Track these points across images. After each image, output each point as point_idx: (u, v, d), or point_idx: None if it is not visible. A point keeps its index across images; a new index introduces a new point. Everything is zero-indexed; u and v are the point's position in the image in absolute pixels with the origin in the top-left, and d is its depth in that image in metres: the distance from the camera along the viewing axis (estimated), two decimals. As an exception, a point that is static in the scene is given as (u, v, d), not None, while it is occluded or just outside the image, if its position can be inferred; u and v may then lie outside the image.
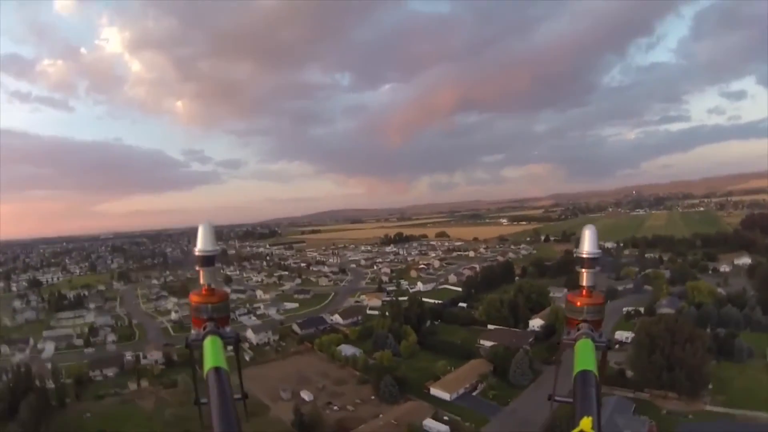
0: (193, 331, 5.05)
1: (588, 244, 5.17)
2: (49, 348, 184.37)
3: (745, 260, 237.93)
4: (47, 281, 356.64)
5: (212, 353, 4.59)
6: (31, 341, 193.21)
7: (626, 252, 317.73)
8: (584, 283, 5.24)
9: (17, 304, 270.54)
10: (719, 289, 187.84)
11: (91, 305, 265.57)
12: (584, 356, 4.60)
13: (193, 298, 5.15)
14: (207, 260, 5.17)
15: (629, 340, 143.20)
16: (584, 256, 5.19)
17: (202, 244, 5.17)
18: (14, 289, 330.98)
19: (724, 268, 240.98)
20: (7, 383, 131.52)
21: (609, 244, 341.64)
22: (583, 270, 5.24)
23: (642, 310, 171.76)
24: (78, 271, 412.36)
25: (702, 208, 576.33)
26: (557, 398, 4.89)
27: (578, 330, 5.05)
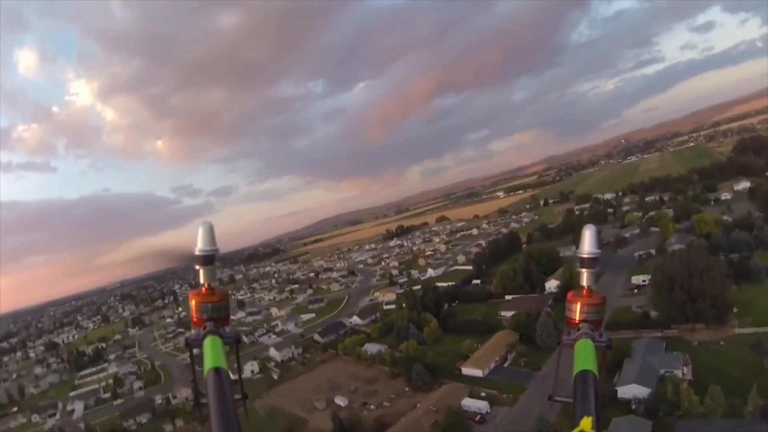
0: (192, 331, 5.11)
1: (588, 244, 5.17)
2: (78, 408, 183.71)
3: (744, 185, 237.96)
4: (63, 341, 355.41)
5: (212, 353, 4.66)
6: (60, 404, 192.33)
7: (626, 200, 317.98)
8: (584, 283, 5.25)
9: (38, 370, 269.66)
10: (725, 217, 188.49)
11: (111, 356, 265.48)
12: (584, 356, 4.66)
13: (193, 297, 5.18)
14: (206, 259, 5.19)
15: (646, 283, 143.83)
16: (584, 256, 5.18)
17: (201, 244, 5.18)
18: (32, 355, 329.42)
19: (725, 196, 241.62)
20: None
21: (608, 196, 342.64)
22: (583, 270, 5.24)
23: (653, 251, 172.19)
24: (91, 325, 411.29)
25: (692, 144, 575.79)
26: (557, 398, 4.91)
27: (578, 330, 5.08)
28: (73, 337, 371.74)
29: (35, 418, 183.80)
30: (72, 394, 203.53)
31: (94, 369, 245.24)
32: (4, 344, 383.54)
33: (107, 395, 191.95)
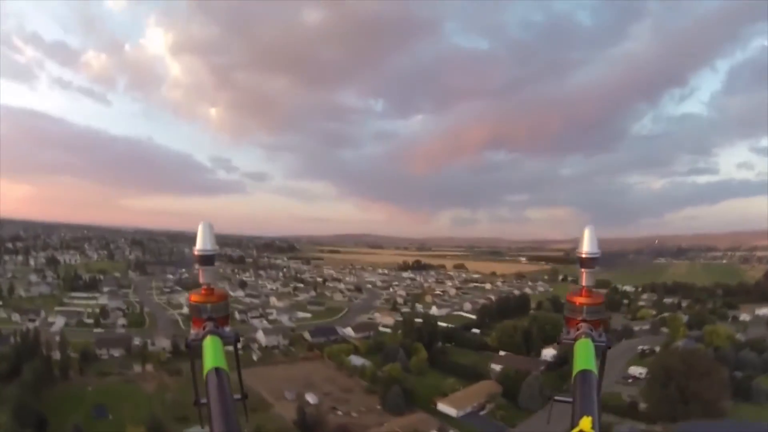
0: (192, 331, 4.95)
1: (587, 243, 5.04)
2: (59, 322, 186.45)
3: (766, 311, 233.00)
4: (65, 261, 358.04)
5: (212, 353, 4.52)
6: (43, 314, 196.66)
7: (644, 296, 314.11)
8: (584, 282, 5.12)
9: (33, 277, 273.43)
10: (738, 335, 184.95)
11: (105, 289, 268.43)
12: (584, 356, 4.53)
13: (193, 297, 5.12)
14: (206, 260, 5.18)
15: (642, 376, 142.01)
16: (583, 255, 5.07)
17: (201, 244, 5.18)
18: (32, 263, 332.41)
19: (744, 317, 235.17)
20: (13, 346, 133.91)
21: (627, 288, 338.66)
22: (583, 270, 5.12)
23: (657, 349, 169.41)
24: (96, 257, 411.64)
25: (725, 261, 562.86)
26: (557, 398, 4.66)
27: (578, 330, 4.92)
28: (76, 260, 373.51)
29: (15, 317, 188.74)
30: (57, 308, 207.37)
31: (85, 294, 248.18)
32: (9, 245, 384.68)
33: (90, 321, 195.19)
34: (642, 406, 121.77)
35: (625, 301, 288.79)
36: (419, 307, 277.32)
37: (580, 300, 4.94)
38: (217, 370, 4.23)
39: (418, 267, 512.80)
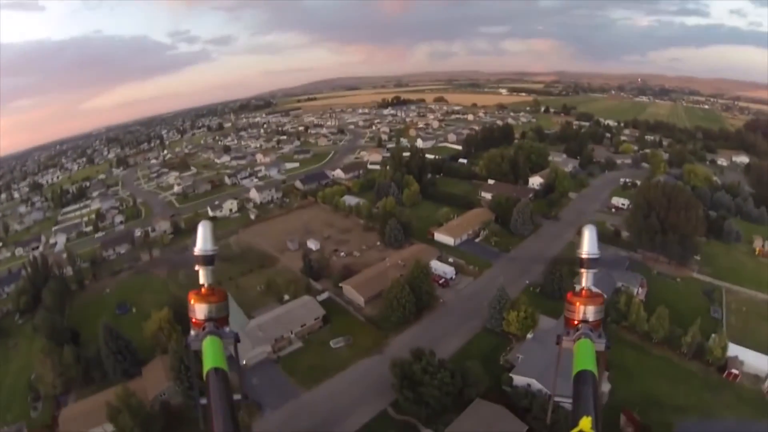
0: (192, 332, 5.18)
1: (588, 244, 5.45)
2: (60, 240, 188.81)
3: (743, 159, 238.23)
4: (47, 182, 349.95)
5: (212, 354, 4.76)
6: (43, 238, 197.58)
7: (626, 131, 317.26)
8: (584, 283, 5.52)
9: (22, 209, 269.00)
10: (715, 177, 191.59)
11: (95, 194, 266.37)
12: (584, 356, 4.84)
13: (192, 297, 5.31)
14: (206, 260, 5.42)
15: (625, 206, 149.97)
16: (584, 256, 5.46)
17: (201, 244, 5.41)
18: (16, 196, 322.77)
19: (722, 161, 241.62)
20: (26, 278, 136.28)
21: (609, 122, 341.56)
22: (583, 270, 5.52)
23: (638, 182, 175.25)
24: (76, 167, 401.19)
25: (707, 106, 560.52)
26: (557, 398, 5.17)
27: (578, 330, 5.26)
28: (58, 177, 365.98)
29: (19, 251, 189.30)
30: (55, 228, 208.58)
31: (77, 206, 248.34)
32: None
33: (89, 229, 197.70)
34: (624, 234, 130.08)
35: (608, 135, 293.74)
36: (404, 141, 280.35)
37: (580, 301, 5.42)
38: (216, 370, 4.53)
39: (398, 103, 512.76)
